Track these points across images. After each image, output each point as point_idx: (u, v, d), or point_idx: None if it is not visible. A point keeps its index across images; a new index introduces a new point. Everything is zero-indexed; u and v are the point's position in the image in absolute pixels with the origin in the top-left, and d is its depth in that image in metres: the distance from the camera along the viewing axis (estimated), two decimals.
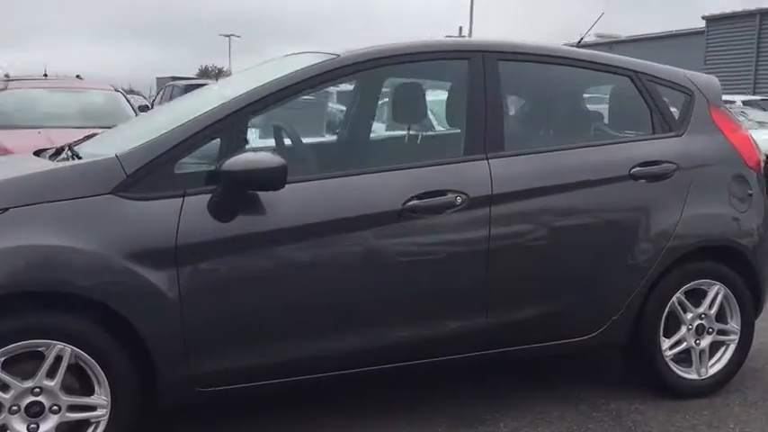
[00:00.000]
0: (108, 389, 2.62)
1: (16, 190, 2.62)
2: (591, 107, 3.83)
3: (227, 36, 58.52)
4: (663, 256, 3.37)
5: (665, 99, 3.58)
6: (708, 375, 3.58)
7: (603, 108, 3.77)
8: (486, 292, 3.10)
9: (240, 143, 2.81)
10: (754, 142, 3.79)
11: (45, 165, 2.97)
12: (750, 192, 3.61)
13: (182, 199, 2.68)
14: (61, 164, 2.87)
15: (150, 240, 2.62)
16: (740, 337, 3.62)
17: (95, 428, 2.63)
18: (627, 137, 3.61)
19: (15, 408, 2.52)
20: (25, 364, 2.52)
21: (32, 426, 2.53)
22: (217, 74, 59.80)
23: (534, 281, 3.20)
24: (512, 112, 3.66)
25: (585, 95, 3.88)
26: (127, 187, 2.64)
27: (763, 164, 3.78)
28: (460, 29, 34.34)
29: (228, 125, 2.81)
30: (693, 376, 3.56)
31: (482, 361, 3.22)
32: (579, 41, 4.06)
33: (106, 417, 2.63)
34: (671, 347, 3.50)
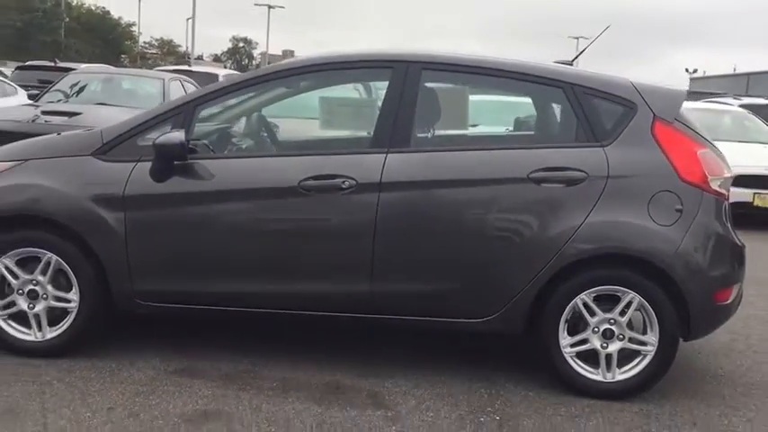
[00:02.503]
0: (77, 288, 3.80)
1: (39, 148, 3.93)
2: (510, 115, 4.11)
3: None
4: (557, 256, 3.61)
5: (598, 111, 3.75)
6: (615, 380, 3.71)
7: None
8: (373, 263, 3.68)
9: (187, 127, 3.77)
10: (716, 159, 3.75)
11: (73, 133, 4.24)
12: (679, 207, 3.62)
13: (135, 163, 3.75)
14: (73, 132, 4.13)
15: (108, 190, 3.74)
16: (657, 351, 3.68)
17: (71, 316, 3.83)
18: (542, 144, 3.86)
19: (21, 291, 3.81)
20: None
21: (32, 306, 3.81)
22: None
23: (419, 261, 3.69)
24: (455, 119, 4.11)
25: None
26: (103, 152, 3.79)
27: None
28: None
29: (177, 113, 3.81)
30: (598, 377, 3.73)
31: (367, 324, 3.81)
32: (575, 58, 4.27)
33: (76, 308, 3.82)
34: (573, 345, 3.71)
